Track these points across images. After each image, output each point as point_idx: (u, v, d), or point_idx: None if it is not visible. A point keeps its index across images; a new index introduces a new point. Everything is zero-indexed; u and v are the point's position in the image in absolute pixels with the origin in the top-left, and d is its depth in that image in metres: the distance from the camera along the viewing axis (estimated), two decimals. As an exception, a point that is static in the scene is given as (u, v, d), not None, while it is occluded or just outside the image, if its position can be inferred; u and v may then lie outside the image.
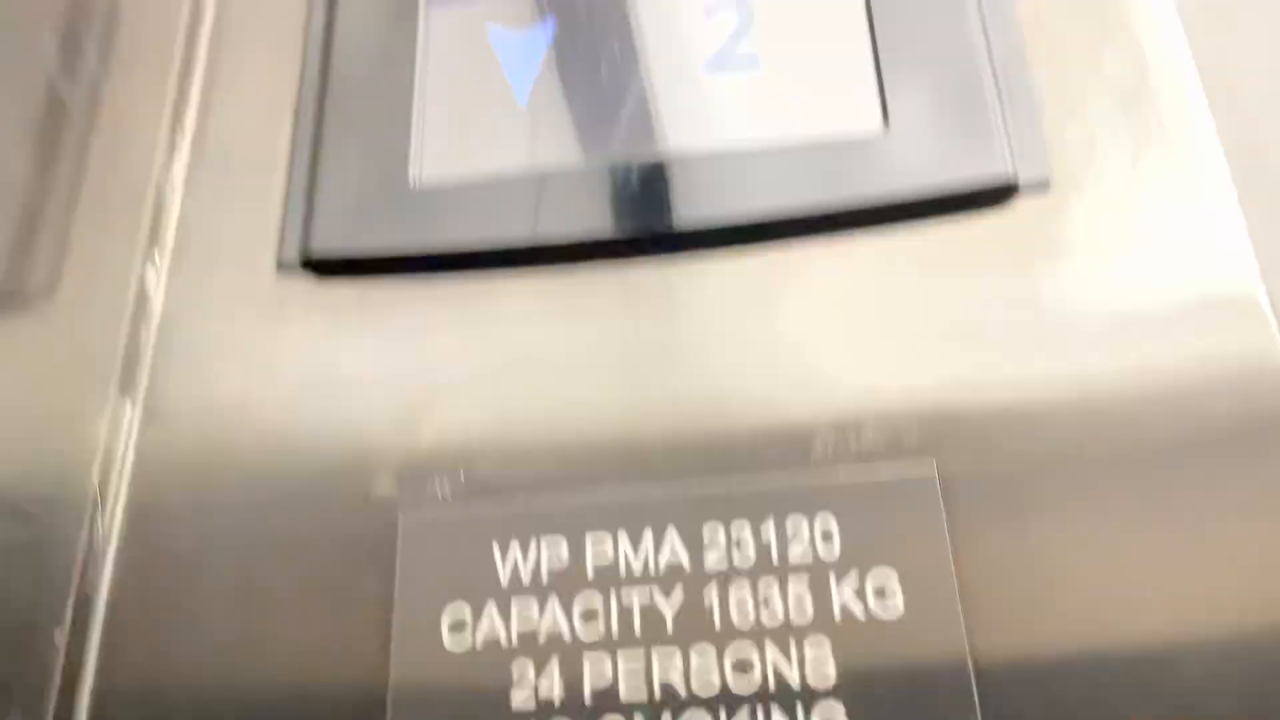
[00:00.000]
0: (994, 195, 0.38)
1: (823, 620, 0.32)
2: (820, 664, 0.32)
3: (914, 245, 0.38)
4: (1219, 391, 0.34)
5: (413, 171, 0.41)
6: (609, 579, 0.34)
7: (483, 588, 0.34)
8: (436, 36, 0.44)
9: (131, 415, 0.39)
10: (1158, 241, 0.37)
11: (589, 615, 0.33)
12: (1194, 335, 0.35)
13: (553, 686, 0.33)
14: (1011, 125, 0.39)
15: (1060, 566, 0.32)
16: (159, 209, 0.42)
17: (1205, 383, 0.35)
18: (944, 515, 0.33)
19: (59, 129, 0.44)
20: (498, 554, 0.35)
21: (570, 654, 0.33)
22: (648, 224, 0.39)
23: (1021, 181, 0.38)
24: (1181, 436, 0.34)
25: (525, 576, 0.34)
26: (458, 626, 0.34)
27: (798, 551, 0.33)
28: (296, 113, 0.44)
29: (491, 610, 0.34)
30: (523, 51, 0.43)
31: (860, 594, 0.32)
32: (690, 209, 0.39)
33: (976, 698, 0.31)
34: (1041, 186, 0.38)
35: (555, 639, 0.33)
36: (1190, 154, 0.38)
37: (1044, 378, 0.35)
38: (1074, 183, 0.38)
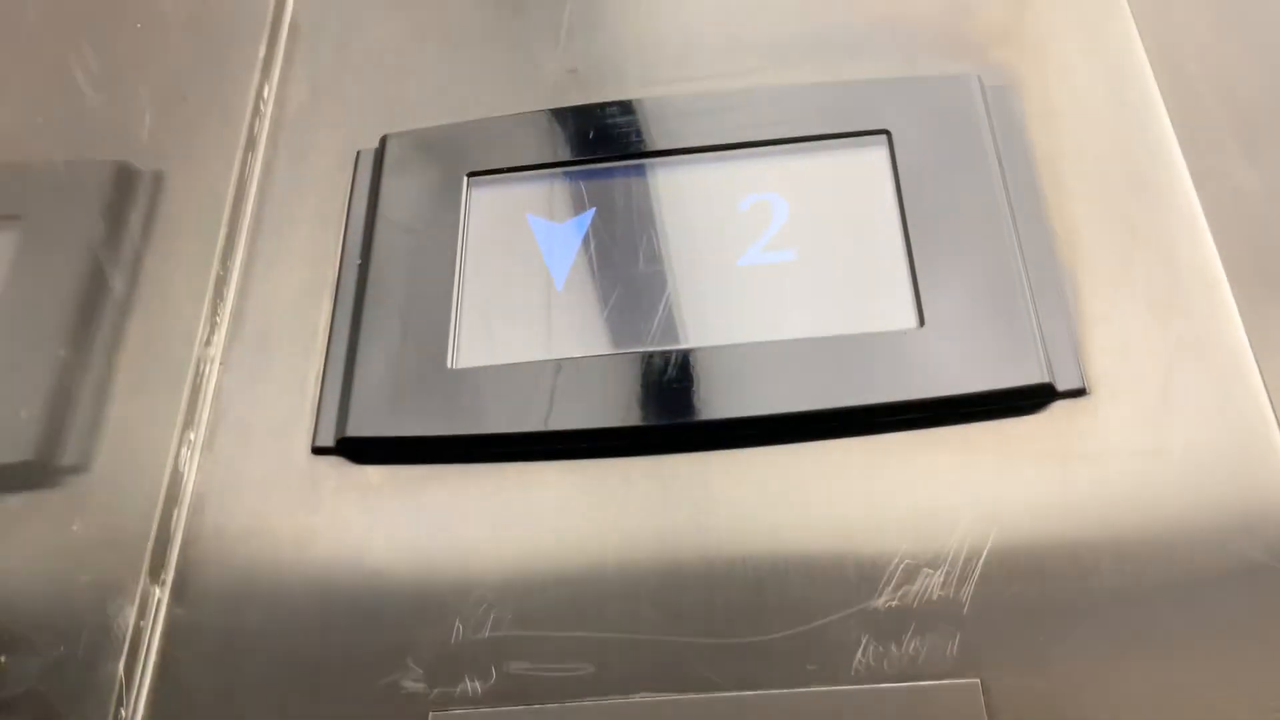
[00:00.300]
0: (1031, 399, 0.38)
1: (864, 844, 0.32)
2: None
3: (946, 443, 0.38)
4: (1254, 588, 0.34)
5: (451, 356, 0.41)
6: (643, 792, 0.33)
7: (513, 797, 0.33)
8: (477, 221, 0.45)
9: (160, 598, 0.38)
10: (1192, 450, 0.37)
11: (623, 831, 0.32)
12: (1234, 544, 0.35)
13: None
14: (1046, 329, 0.39)
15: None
16: (196, 387, 0.42)
17: (1244, 588, 0.34)
18: (988, 733, 0.32)
19: (98, 300, 0.44)
20: (529, 762, 0.34)
21: None
22: (683, 416, 0.39)
23: (1059, 386, 0.38)
24: (1217, 637, 0.33)
25: (557, 786, 0.33)
26: (486, 838, 0.33)
27: (838, 768, 0.33)
28: (336, 293, 0.44)
29: (522, 822, 0.33)
30: (562, 239, 0.44)
31: (902, 817, 0.32)
32: (725, 403, 0.39)
33: None
34: (1078, 392, 0.38)
35: None
36: (1223, 362, 0.39)
37: (1082, 578, 0.35)
38: (1109, 389, 0.38)
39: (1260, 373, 0.38)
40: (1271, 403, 0.38)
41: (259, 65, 0.51)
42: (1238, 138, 0.48)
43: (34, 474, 0.38)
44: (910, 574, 0.36)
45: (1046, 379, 0.38)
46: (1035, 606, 0.35)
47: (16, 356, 0.40)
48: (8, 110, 0.38)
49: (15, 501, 0.38)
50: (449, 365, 0.41)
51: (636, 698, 0.35)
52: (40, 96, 0.40)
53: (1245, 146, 0.47)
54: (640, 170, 0.45)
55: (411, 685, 0.36)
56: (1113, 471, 0.37)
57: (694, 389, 0.40)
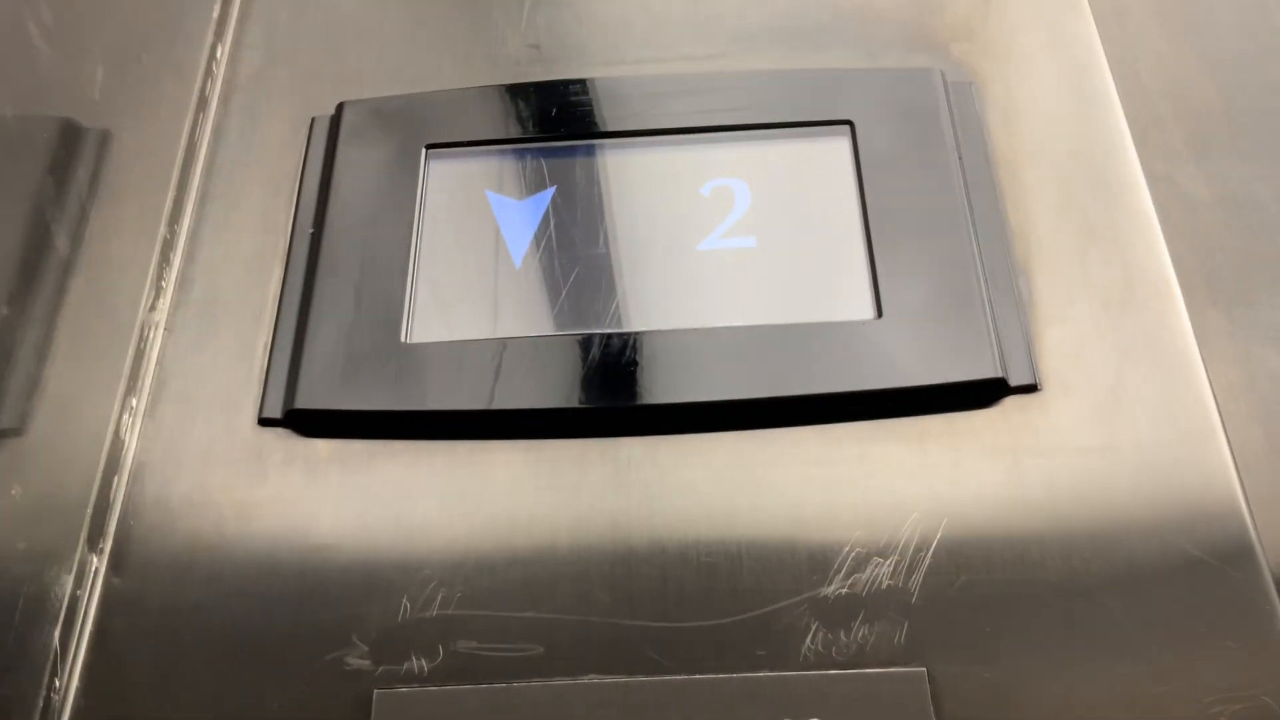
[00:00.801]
0: (984, 393, 0.38)
1: (808, 829, 0.32)
2: None
3: (899, 434, 0.39)
4: (1200, 593, 0.35)
5: (405, 330, 0.41)
6: (590, 774, 0.33)
7: (458, 776, 0.33)
8: (435, 194, 0.44)
9: (98, 567, 0.37)
10: (1139, 448, 0.38)
11: (568, 813, 0.32)
12: (1175, 540, 0.36)
13: None
14: (1000, 325, 0.40)
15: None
16: (139, 352, 0.41)
17: (1187, 584, 0.35)
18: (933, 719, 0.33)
19: (42, 259, 0.43)
20: (475, 741, 0.33)
21: None
22: (637, 399, 0.39)
23: (1011, 381, 0.38)
24: (1160, 631, 0.34)
25: (503, 766, 0.33)
26: (429, 818, 0.32)
27: (785, 754, 0.33)
28: (287, 261, 0.44)
29: (466, 802, 0.33)
30: (520, 216, 0.44)
31: (847, 802, 0.32)
32: (680, 387, 0.39)
33: None
34: (1030, 387, 0.39)
35: (531, 837, 0.32)
36: (1171, 363, 0.39)
37: (1030, 570, 0.35)
38: (1060, 385, 0.39)
39: (1206, 374, 0.39)
40: (1217, 404, 0.39)
41: (212, 25, 0.49)
42: (1188, 145, 0.49)
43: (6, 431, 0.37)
44: (860, 562, 0.36)
45: (999, 374, 0.38)
46: (982, 597, 0.35)
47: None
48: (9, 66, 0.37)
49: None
50: (402, 339, 0.41)
51: (585, 679, 0.34)
52: (30, 50, 0.39)
53: (1195, 154, 0.48)
54: (602, 150, 0.45)
55: (356, 662, 0.35)
56: (1062, 466, 0.37)
57: (649, 372, 0.39)
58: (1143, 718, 0.33)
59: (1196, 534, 0.36)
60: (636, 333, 0.40)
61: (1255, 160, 0.48)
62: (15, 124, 0.39)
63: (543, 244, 0.43)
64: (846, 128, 0.44)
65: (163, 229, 0.44)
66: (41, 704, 0.34)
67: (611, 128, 0.45)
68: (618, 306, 0.41)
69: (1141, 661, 0.34)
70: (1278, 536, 0.37)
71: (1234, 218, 0.47)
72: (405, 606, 0.36)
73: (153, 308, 0.42)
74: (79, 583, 0.36)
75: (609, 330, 0.40)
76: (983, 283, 0.40)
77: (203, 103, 0.47)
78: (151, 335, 0.42)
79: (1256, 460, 0.39)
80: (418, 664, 0.35)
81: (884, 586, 0.35)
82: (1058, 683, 0.34)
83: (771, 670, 0.34)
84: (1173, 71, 0.51)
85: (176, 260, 0.44)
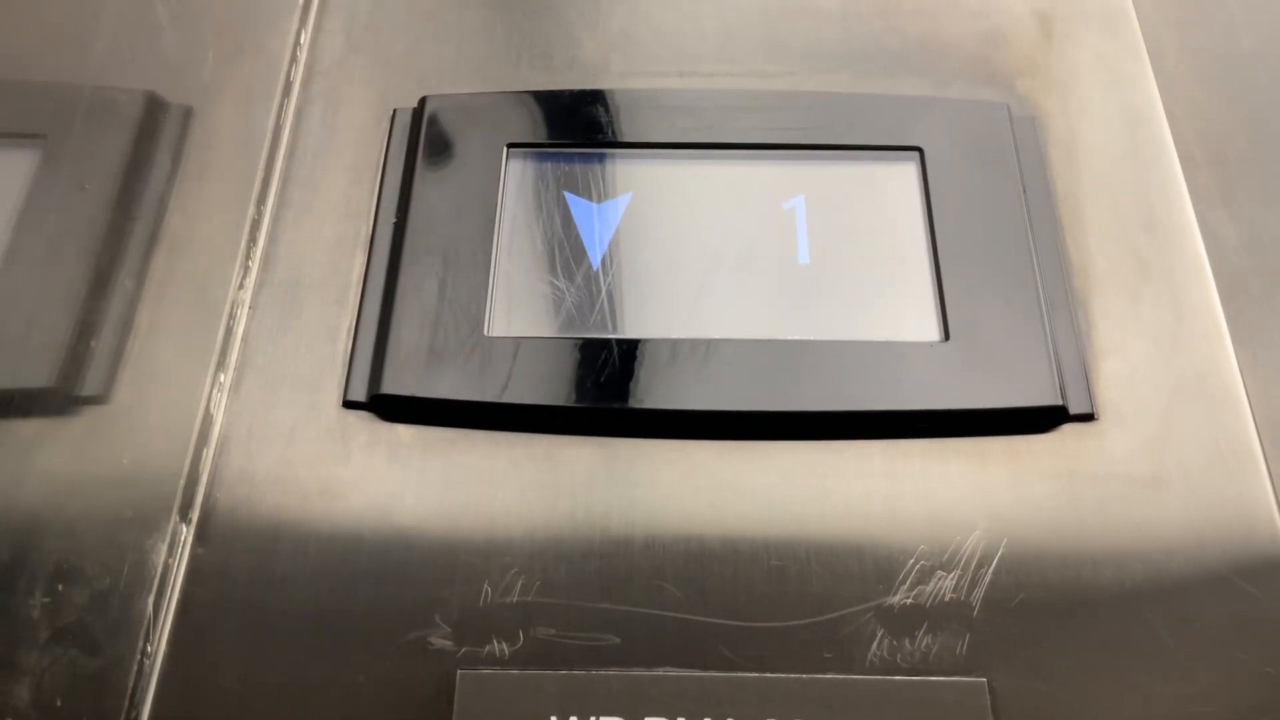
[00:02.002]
0: (1044, 419, 0.40)
1: (873, 824, 0.34)
2: None
3: (961, 453, 0.40)
4: (1241, 620, 0.37)
5: (487, 323, 0.42)
6: (666, 762, 0.34)
7: (540, 758, 0.34)
8: (514, 192, 0.46)
9: (186, 537, 0.38)
10: (1187, 479, 0.40)
11: (645, 797, 0.34)
12: (1218, 568, 0.38)
13: None
14: (1060, 355, 0.41)
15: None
16: (229, 330, 0.42)
17: (1229, 611, 0.37)
18: (993, 730, 0.35)
19: (145, 233, 0.44)
20: (556, 725, 0.35)
21: (625, 835, 0.33)
22: (710, 404, 0.41)
23: (1071, 410, 0.40)
24: (1204, 654, 0.36)
25: (582, 750, 0.35)
26: (512, 795, 0.34)
27: (852, 752, 0.34)
28: (370, 248, 0.45)
29: (547, 782, 0.34)
30: (599, 219, 0.45)
31: (910, 801, 0.34)
32: (756, 396, 0.41)
33: None
34: (1087, 417, 0.41)
35: (610, 818, 0.34)
36: (1220, 398, 0.41)
37: (1084, 590, 0.37)
38: (1115, 415, 0.41)
39: (1251, 412, 0.41)
40: (1260, 441, 0.41)
41: (298, 11, 0.50)
42: (1218, 189, 0.51)
43: (85, 406, 0.38)
44: (925, 575, 0.38)
45: (1060, 401, 0.40)
46: (1040, 613, 0.37)
47: (69, 286, 0.40)
48: (101, 41, 0.38)
49: (74, 430, 0.38)
50: (485, 332, 0.42)
51: (660, 671, 0.36)
52: (127, 27, 0.40)
53: (1224, 198, 0.50)
54: (679, 160, 0.46)
55: (439, 642, 0.37)
56: (1114, 493, 0.39)
57: (722, 379, 0.41)
58: (1189, 737, 0.35)
59: (1239, 564, 0.38)
60: (711, 339, 0.42)
61: (1280, 206, 0.50)
62: (133, 99, 0.40)
63: (620, 247, 0.44)
64: (916, 154, 0.46)
65: (251, 208, 0.45)
66: (135, 668, 0.35)
67: (690, 139, 0.46)
68: (694, 314, 0.43)
69: (1186, 682, 0.36)
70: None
71: (1259, 261, 0.48)
72: (487, 591, 0.38)
73: (241, 286, 0.43)
74: (170, 551, 0.38)
75: (686, 337, 0.42)
76: (1044, 313, 0.42)
77: (287, 87, 0.49)
78: (239, 313, 0.43)
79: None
80: (499, 647, 0.37)
81: (947, 599, 0.37)
82: (1108, 698, 0.36)
83: (838, 673, 0.36)
84: (1205, 115, 0.53)
85: (261, 240, 0.45)
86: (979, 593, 0.37)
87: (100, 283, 0.41)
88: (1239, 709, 0.35)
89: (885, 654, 0.36)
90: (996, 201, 0.45)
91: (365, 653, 0.37)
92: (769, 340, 0.42)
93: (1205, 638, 0.37)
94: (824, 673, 0.36)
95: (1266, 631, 0.37)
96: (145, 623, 0.36)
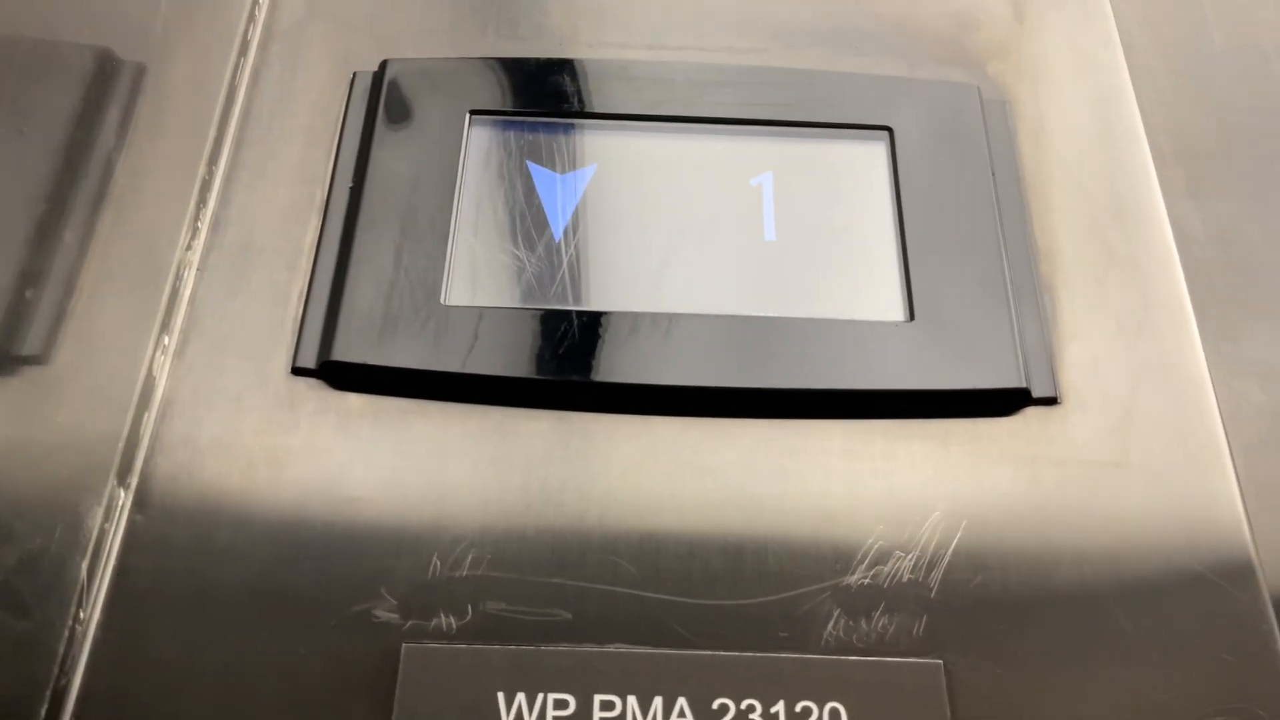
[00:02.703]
0: (1007, 401, 0.40)
1: (825, 806, 0.33)
2: None
3: (924, 434, 0.40)
4: (1202, 608, 0.36)
5: (444, 291, 0.41)
6: (615, 740, 0.34)
7: (485, 734, 0.33)
8: (476, 160, 0.45)
9: (124, 502, 0.37)
10: (1149, 465, 0.39)
11: (593, 776, 0.33)
12: (1180, 556, 0.37)
13: (550, 847, 0.32)
14: (1025, 338, 0.41)
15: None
16: (175, 291, 0.41)
17: (1190, 598, 0.37)
18: (949, 712, 0.34)
19: (71, 189, 0.42)
20: (502, 702, 0.34)
21: (571, 814, 0.33)
22: (667, 379, 0.40)
23: (1034, 393, 0.40)
24: (1163, 641, 0.36)
25: (529, 727, 0.34)
26: (455, 772, 0.33)
27: (805, 733, 0.34)
28: (325, 212, 0.44)
29: (492, 759, 0.33)
30: (562, 190, 0.44)
31: (863, 783, 0.33)
32: (716, 371, 0.40)
33: None
34: (1050, 400, 0.40)
35: (556, 796, 0.33)
36: (1183, 384, 0.41)
37: (1042, 572, 0.37)
38: (1078, 400, 0.40)
39: (1215, 399, 0.41)
40: (1224, 429, 0.40)
41: (256, -31, 0.49)
42: (1185, 182, 0.51)
43: (22, 364, 0.36)
44: (883, 555, 0.37)
45: (1023, 384, 0.40)
46: (998, 597, 0.36)
47: (7, 239, 0.38)
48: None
49: (8, 387, 0.36)
50: (441, 300, 0.41)
51: (611, 647, 0.35)
52: None
53: (1191, 191, 0.50)
54: (647, 132, 0.45)
55: (385, 615, 0.36)
56: (1076, 478, 0.39)
57: (683, 354, 0.40)
58: (1146, 723, 0.34)
59: (1200, 551, 0.38)
60: (672, 314, 0.41)
61: (1248, 202, 0.50)
62: (76, 51, 0.38)
63: (583, 219, 0.43)
64: (886, 134, 0.45)
65: (202, 169, 0.43)
66: (67, 634, 0.34)
67: (657, 112, 0.45)
68: (656, 288, 0.42)
69: (1144, 669, 0.35)
70: (1269, 560, 0.38)
71: (1225, 255, 0.48)
72: (435, 564, 0.37)
73: (189, 247, 0.42)
74: (107, 516, 0.36)
75: (645, 310, 0.41)
76: (1010, 296, 0.42)
77: (244, 47, 0.47)
78: (186, 275, 0.42)
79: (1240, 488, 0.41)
80: (446, 621, 0.36)
81: (905, 580, 0.37)
82: (1066, 683, 0.35)
83: (793, 652, 0.35)
84: (1175, 110, 0.53)
85: (212, 202, 0.44)
86: (937, 574, 0.37)
87: (42, 237, 0.40)
88: (1197, 696, 0.35)
89: (841, 634, 0.36)
90: (965, 183, 0.44)
91: (308, 625, 0.35)
92: (732, 316, 0.41)
93: (1163, 623, 0.36)
94: (778, 651, 0.35)
95: (1225, 618, 0.36)
96: (79, 588, 0.35)
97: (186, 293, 0.42)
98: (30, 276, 0.39)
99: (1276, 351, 0.45)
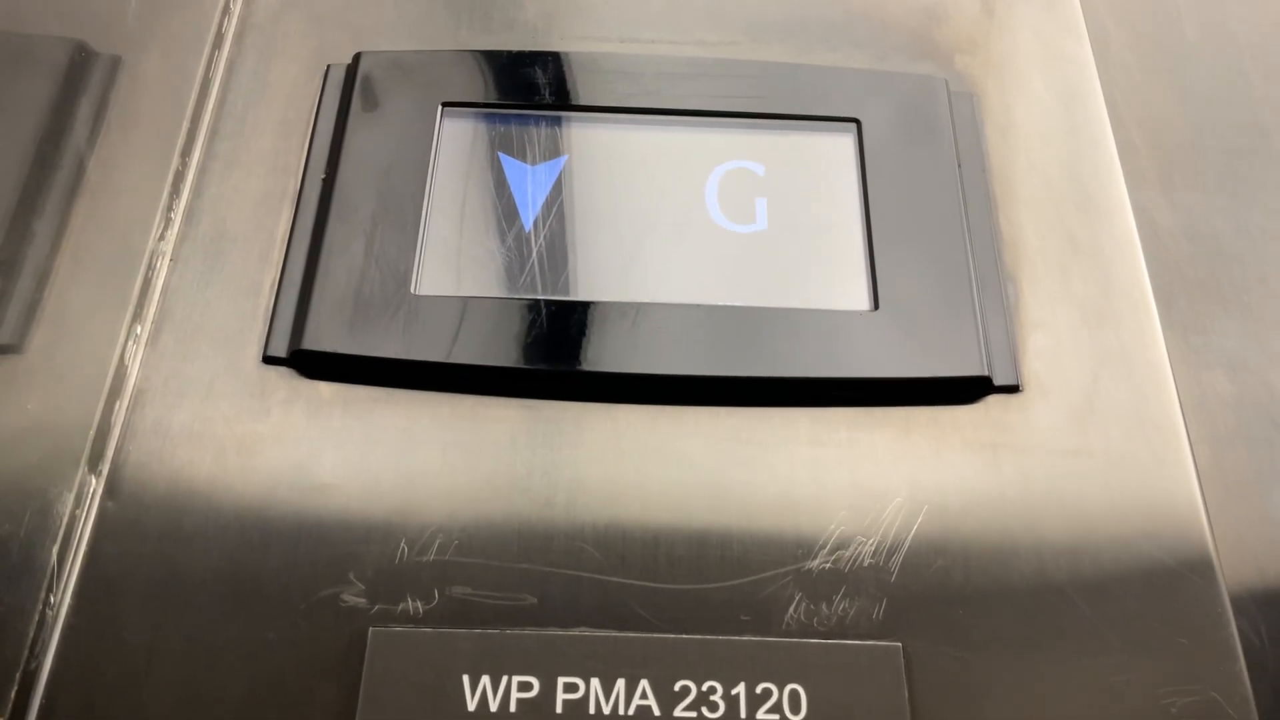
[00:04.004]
0: (969, 390, 0.40)
1: (784, 786, 0.33)
2: (779, 830, 0.33)
3: (886, 422, 0.40)
4: (1159, 593, 0.37)
5: (414, 281, 0.41)
6: (578, 722, 0.34)
7: (450, 717, 0.34)
8: (448, 152, 0.45)
9: (95, 489, 0.37)
10: (1109, 453, 0.40)
11: (556, 757, 0.34)
12: (1139, 543, 0.38)
13: (513, 826, 0.33)
14: (988, 326, 0.42)
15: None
16: (147, 280, 0.42)
17: (1147, 584, 0.37)
18: (907, 694, 0.35)
19: (44, 179, 0.43)
20: (467, 685, 0.34)
21: (533, 794, 0.33)
22: (637, 367, 0.40)
23: (996, 381, 0.40)
24: (1120, 626, 0.36)
25: (493, 710, 0.34)
26: (420, 753, 0.34)
27: (766, 715, 0.34)
28: (297, 203, 0.44)
29: (457, 740, 0.34)
30: (533, 181, 0.44)
31: (822, 763, 0.34)
32: (683, 360, 0.40)
33: None
34: (1012, 388, 0.41)
35: (519, 777, 0.33)
36: (1144, 373, 0.42)
37: (1001, 558, 0.37)
38: (1039, 388, 0.41)
39: (1176, 388, 0.42)
40: (1184, 418, 0.41)
41: (232, -38, 0.49)
42: (1156, 174, 0.51)
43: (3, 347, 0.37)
44: (844, 541, 0.38)
45: (985, 372, 0.40)
46: (958, 582, 0.37)
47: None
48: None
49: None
50: (412, 290, 0.41)
51: (576, 631, 0.36)
52: None
53: (1162, 183, 0.51)
54: (617, 124, 0.46)
55: (353, 600, 0.36)
56: (1037, 465, 0.39)
57: (650, 343, 0.41)
58: (1100, 704, 0.35)
59: (1158, 538, 0.38)
60: (641, 303, 0.41)
61: (1217, 194, 0.51)
62: (50, 43, 0.39)
63: (553, 210, 0.44)
64: (853, 125, 0.46)
65: (175, 160, 0.44)
66: (38, 617, 0.35)
67: (628, 104, 0.46)
68: (623, 277, 0.42)
69: (1101, 652, 0.36)
70: (1229, 547, 0.39)
71: (1194, 247, 0.49)
72: (403, 550, 0.37)
73: (162, 237, 0.42)
74: (78, 503, 0.37)
75: (614, 299, 0.41)
76: (974, 285, 0.42)
77: (219, 39, 0.48)
78: (159, 265, 0.42)
79: (1205, 479, 0.41)
80: (413, 605, 0.36)
81: (865, 565, 0.37)
82: (1024, 666, 0.36)
83: (755, 635, 0.36)
84: (1147, 102, 0.53)
85: (185, 193, 0.44)
86: (898, 559, 0.37)
87: (15, 227, 0.40)
88: (1153, 679, 0.36)
89: (802, 617, 0.36)
90: (931, 175, 0.45)
91: (276, 610, 0.36)
92: (699, 305, 0.41)
93: (1121, 608, 0.37)
94: (740, 635, 0.36)
95: (1181, 601, 0.37)
96: (49, 573, 0.35)
97: (159, 282, 0.42)
98: (3, 266, 0.40)
99: (1245, 343, 0.46)
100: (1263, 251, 0.48)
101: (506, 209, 0.44)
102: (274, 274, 0.43)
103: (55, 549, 0.35)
